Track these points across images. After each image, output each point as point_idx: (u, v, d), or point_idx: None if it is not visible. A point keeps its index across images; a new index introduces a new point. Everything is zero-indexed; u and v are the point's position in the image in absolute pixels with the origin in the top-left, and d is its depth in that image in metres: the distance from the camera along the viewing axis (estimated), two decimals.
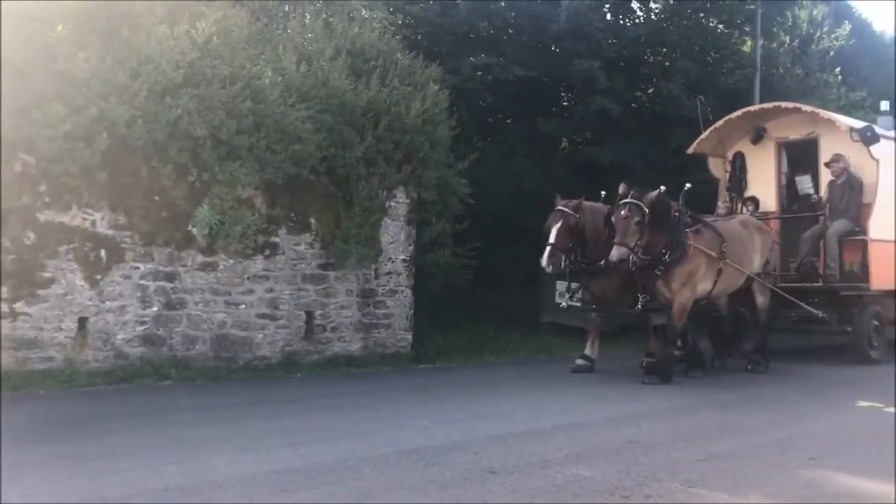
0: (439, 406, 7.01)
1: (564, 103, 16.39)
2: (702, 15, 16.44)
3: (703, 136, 11.55)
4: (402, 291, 10.49)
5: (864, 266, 10.01)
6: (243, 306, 9.05)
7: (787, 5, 18.10)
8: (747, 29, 16.98)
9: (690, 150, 11.83)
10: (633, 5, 16.65)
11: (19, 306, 7.57)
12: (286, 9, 12.25)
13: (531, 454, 5.16)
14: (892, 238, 10.29)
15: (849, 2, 24.49)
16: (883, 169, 10.22)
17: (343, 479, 4.51)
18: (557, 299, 11.76)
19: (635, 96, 15.49)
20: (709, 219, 9.27)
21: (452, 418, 6.40)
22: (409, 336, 10.54)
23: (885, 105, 11.55)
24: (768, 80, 16.36)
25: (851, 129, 10.14)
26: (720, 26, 16.77)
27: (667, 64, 16.01)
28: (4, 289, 7.47)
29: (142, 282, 8.34)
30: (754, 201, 11.29)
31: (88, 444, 5.26)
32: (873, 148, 10.03)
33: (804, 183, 11.00)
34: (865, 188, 10.15)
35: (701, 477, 4.65)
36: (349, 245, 9.65)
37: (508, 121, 16.42)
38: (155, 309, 8.44)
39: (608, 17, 15.90)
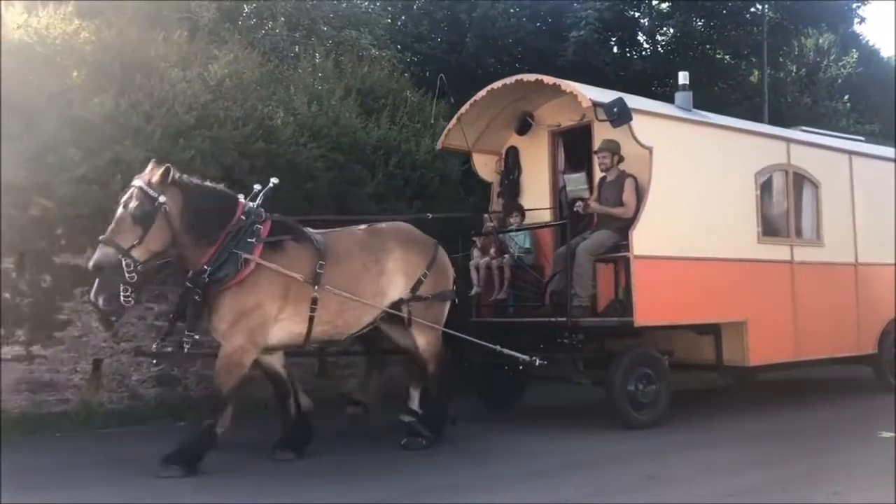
0: (451, 446, 6.84)
1: None
2: (708, 46, 16.62)
3: (450, 126, 9.03)
4: None
5: (628, 293, 7.41)
6: None
7: (794, 35, 18.24)
8: (754, 59, 17.12)
9: (439, 146, 9.33)
10: (639, 38, 16.84)
11: (36, 349, 7.60)
12: (297, 50, 12.45)
13: (552, 493, 5.09)
14: (673, 254, 7.62)
15: (855, 29, 24.57)
16: (659, 160, 7.55)
17: None
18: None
19: None
20: (321, 230, 6.53)
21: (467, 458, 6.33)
22: None
23: (682, 77, 8.75)
24: (777, 109, 16.44)
25: (596, 105, 7.49)
26: (727, 57, 16.93)
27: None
28: (20, 332, 7.53)
29: (157, 322, 8.35)
30: (520, 210, 8.82)
31: (102, 489, 5.25)
32: (644, 131, 7.47)
33: (577, 183, 8.32)
34: (640, 186, 7.69)
35: None
36: None
37: None
38: (170, 349, 8.43)
39: (615, 49, 16.07)
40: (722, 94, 16.27)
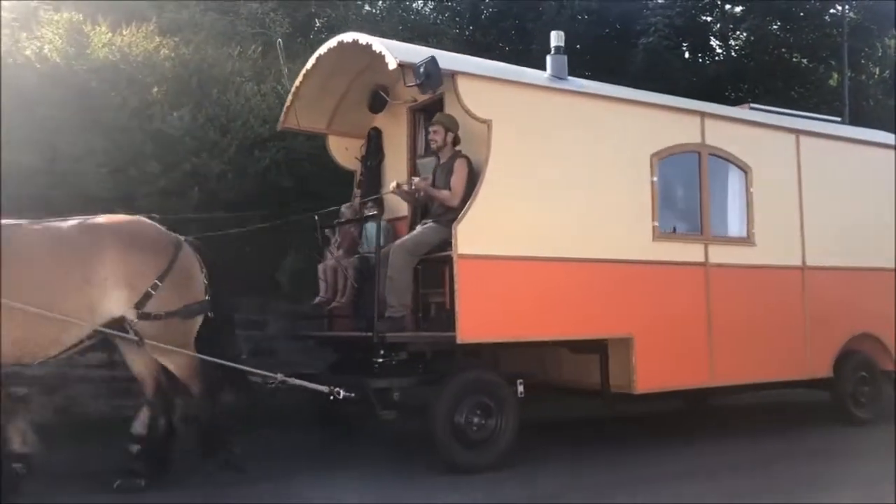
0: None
1: None
2: (784, 50, 16.16)
3: (288, 103, 7.56)
4: None
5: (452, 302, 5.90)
6: None
7: (877, 36, 17.57)
8: (833, 62, 16.55)
9: (279, 127, 7.81)
10: (711, 43, 16.51)
11: (117, 356, 7.88)
12: None
13: None
14: (518, 254, 6.07)
15: None
16: (501, 136, 6.05)
17: None
18: None
19: None
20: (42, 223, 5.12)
21: (550, 469, 6.25)
22: None
23: (555, 38, 6.88)
24: (858, 113, 15.85)
25: (402, 68, 5.98)
26: (804, 61, 16.43)
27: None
28: None
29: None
30: (377, 201, 7.33)
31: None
32: (478, 100, 5.99)
33: (428, 169, 6.87)
34: (476, 168, 6.24)
35: None
36: None
37: None
38: (244, 357, 8.62)
39: (686, 55, 15.80)
40: (799, 99, 15.79)
